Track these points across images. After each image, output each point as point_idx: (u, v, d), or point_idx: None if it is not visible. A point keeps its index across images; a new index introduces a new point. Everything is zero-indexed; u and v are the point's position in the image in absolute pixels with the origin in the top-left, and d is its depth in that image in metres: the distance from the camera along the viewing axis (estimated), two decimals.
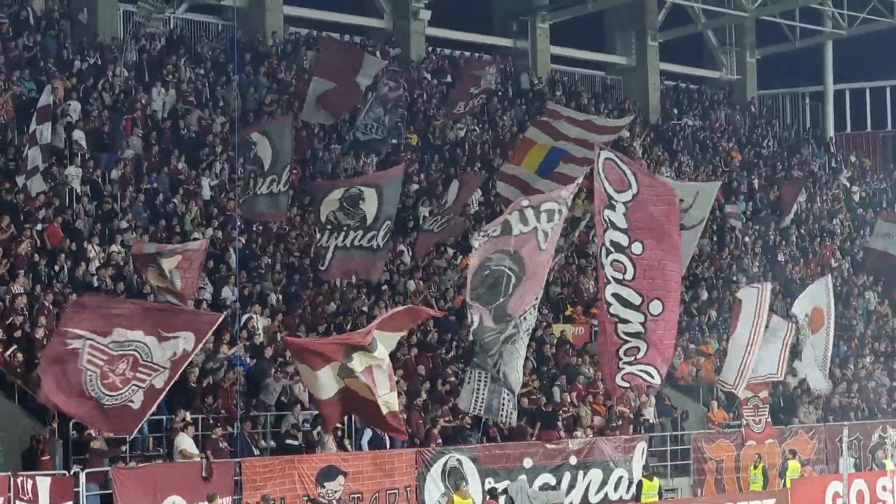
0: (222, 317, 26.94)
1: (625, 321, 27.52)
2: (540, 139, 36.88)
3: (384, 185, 32.42)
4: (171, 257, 30.02)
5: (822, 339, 36.57)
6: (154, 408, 25.63)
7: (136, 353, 24.74)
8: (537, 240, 27.03)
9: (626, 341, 27.55)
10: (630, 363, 27.71)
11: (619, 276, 27.47)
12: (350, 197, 32.05)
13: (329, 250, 32.42)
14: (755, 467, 35.29)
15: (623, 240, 27.51)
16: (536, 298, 27.80)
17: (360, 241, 32.01)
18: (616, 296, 27.51)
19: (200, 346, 25.70)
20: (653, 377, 28.15)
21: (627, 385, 29.09)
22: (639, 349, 27.63)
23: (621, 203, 27.59)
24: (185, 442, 27.67)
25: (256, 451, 29.15)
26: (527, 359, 35.13)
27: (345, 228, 31.94)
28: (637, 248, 27.53)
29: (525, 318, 27.38)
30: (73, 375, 24.65)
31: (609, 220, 27.53)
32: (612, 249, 27.53)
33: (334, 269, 33.14)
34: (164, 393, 25.46)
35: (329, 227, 32.21)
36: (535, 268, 27.17)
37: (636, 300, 27.47)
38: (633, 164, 29.04)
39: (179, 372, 25.55)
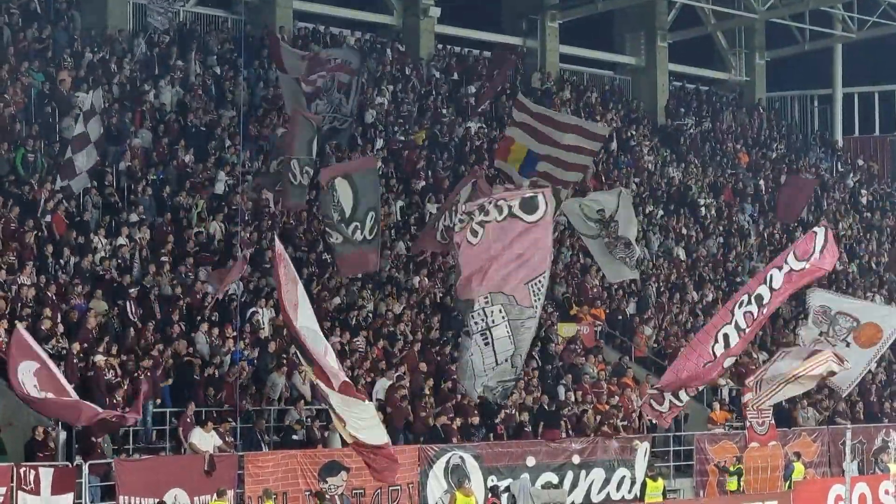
0: (19, 328, 26.20)
1: (715, 362, 28.49)
2: (519, 138, 37.20)
3: (354, 174, 32.21)
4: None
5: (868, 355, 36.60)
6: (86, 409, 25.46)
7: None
8: (468, 231, 27.22)
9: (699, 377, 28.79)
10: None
11: (743, 325, 28.79)
12: (331, 189, 31.96)
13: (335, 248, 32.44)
14: (733, 467, 35.22)
15: (766, 297, 28.98)
16: (486, 301, 27.63)
17: (349, 235, 31.89)
18: (725, 336, 28.80)
19: (41, 352, 25.64)
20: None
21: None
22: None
23: (789, 267, 29.06)
24: (195, 435, 27.76)
25: (265, 447, 29.18)
26: (531, 357, 35.35)
27: (334, 224, 31.82)
28: (766, 310, 29.18)
29: (479, 320, 27.44)
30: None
31: (771, 277, 29.03)
32: (754, 302, 28.98)
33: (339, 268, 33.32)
34: (69, 393, 25.51)
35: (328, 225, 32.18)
36: (467, 258, 27.31)
37: (732, 344, 28.82)
38: (831, 247, 29.77)
39: (56, 377, 25.39)
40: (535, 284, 27.59)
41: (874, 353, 36.12)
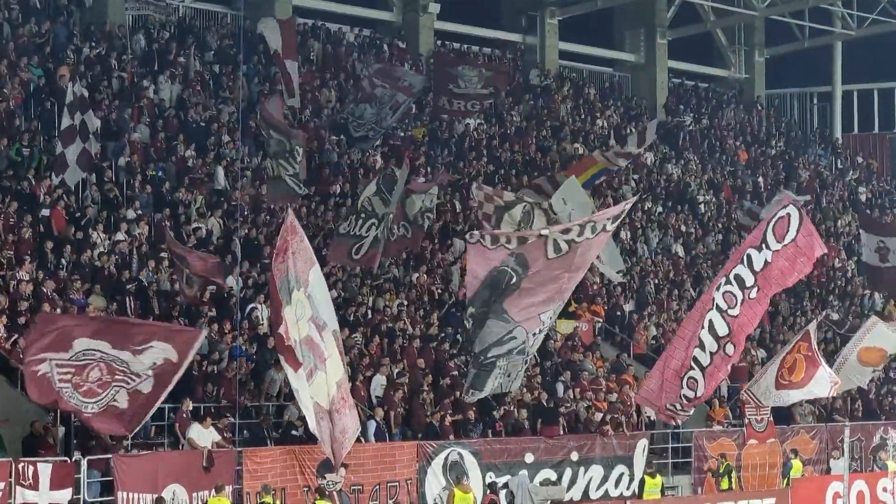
0: (202, 335, 26.55)
1: (702, 346, 28.11)
2: (600, 159, 39.73)
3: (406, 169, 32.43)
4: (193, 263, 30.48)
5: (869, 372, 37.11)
6: (150, 412, 25.74)
7: (106, 362, 24.97)
8: (545, 247, 26.76)
9: (692, 368, 28.25)
10: (689, 399, 28.80)
11: (724, 306, 28.35)
12: (386, 177, 31.98)
13: (368, 240, 32.30)
14: (722, 467, 35.03)
15: (749, 280, 28.59)
16: (550, 314, 27.50)
17: (397, 229, 32.06)
18: (710, 322, 28.38)
19: (187, 361, 25.75)
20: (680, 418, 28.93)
21: (672, 417, 29.63)
22: (696, 383, 28.60)
23: (770, 251, 28.63)
24: (193, 431, 27.70)
25: (270, 442, 29.15)
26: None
27: (382, 217, 31.85)
28: (754, 293, 28.41)
29: (535, 335, 27.31)
30: (51, 395, 25.04)
31: (749, 258, 28.64)
32: (733, 282, 28.61)
33: (370, 258, 33.10)
34: (158, 401, 25.57)
35: (363, 214, 32.10)
36: (540, 271, 26.87)
37: (723, 331, 28.45)
38: (807, 225, 29.54)
39: (170, 383, 25.47)
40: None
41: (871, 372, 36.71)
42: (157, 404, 25.73)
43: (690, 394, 28.85)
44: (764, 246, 28.80)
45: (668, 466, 35.70)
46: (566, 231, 26.87)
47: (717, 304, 28.57)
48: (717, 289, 28.83)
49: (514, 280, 26.76)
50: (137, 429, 26.19)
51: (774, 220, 29.24)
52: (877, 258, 43.61)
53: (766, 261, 28.70)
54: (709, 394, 30.20)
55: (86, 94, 33.92)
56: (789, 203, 29.90)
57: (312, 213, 38.01)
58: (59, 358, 24.72)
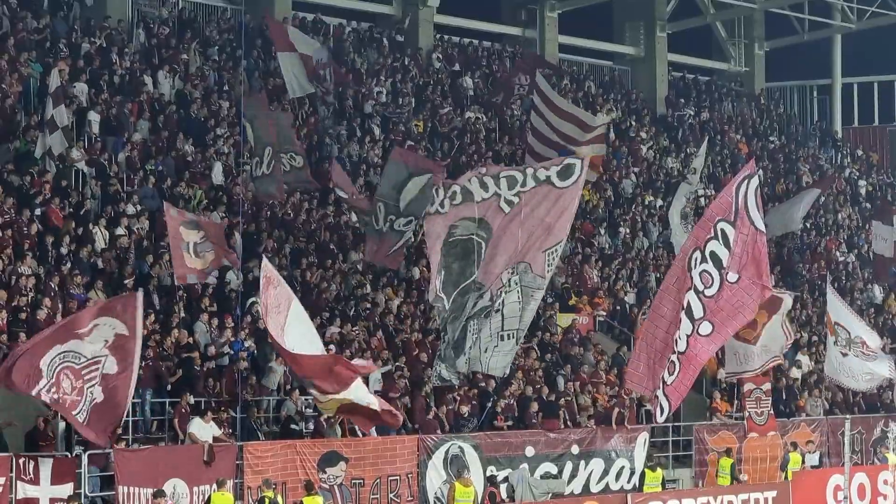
0: (139, 296, 25.33)
1: (680, 329, 27.04)
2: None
3: (425, 174, 31.96)
4: (195, 230, 30.37)
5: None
6: (130, 391, 25.01)
7: (68, 364, 24.41)
8: (499, 205, 27.52)
9: (673, 351, 26.65)
10: (666, 383, 26.81)
11: (701, 287, 26.45)
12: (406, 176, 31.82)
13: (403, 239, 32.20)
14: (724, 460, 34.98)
15: (724, 258, 26.48)
16: (511, 271, 27.74)
17: (395, 224, 31.90)
18: (688, 303, 26.45)
19: (138, 328, 24.95)
20: (662, 411, 27.51)
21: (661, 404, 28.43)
22: (674, 366, 26.66)
23: (748, 226, 26.61)
24: (194, 426, 27.74)
25: (261, 437, 29.16)
26: (531, 347, 35.37)
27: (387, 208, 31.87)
28: (733, 276, 26.45)
29: (501, 293, 27.56)
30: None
31: (721, 231, 26.54)
32: (709, 260, 26.52)
33: (396, 257, 33.18)
34: (130, 381, 24.87)
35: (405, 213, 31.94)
36: (501, 233, 27.58)
37: (698, 313, 26.46)
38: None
39: (132, 357, 24.79)
40: (552, 253, 27.62)
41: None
42: (132, 384, 24.92)
43: (669, 378, 27.27)
44: (747, 220, 27.00)
45: (669, 459, 35.74)
46: (511, 183, 27.54)
47: (694, 285, 27.01)
48: (695, 267, 27.15)
49: (483, 248, 27.36)
50: (122, 416, 25.47)
51: (746, 190, 27.51)
52: (892, 249, 43.04)
53: (737, 238, 26.96)
54: (688, 381, 27.38)
55: (63, 85, 33.96)
56: (751, 171, 28.09)
57: (312, 206, 38.07)
58: (35, 390, 24.34)
